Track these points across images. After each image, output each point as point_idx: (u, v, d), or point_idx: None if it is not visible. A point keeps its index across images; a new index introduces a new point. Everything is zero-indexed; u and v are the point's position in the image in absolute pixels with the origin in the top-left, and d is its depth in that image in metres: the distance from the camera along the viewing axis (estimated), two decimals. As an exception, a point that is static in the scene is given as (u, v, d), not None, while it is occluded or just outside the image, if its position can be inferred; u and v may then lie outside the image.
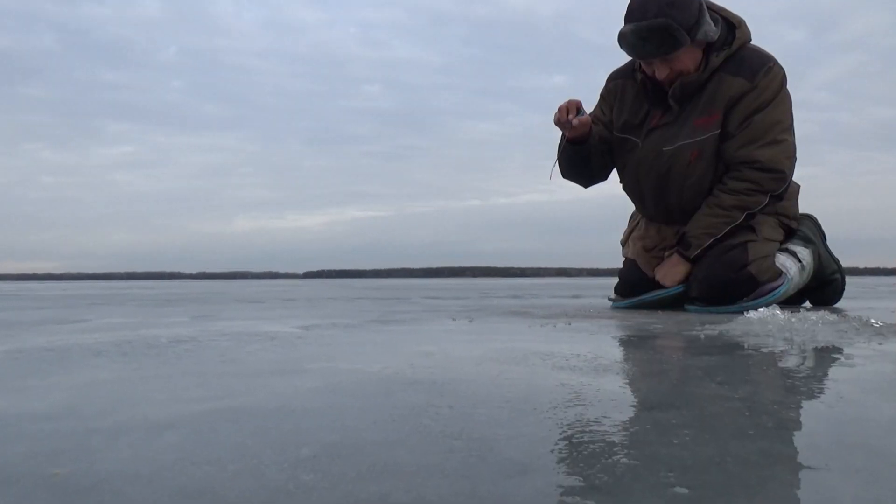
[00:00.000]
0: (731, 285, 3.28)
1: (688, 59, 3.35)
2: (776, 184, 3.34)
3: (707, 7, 3.38)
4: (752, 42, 3.45)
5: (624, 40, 3.28)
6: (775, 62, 3.35)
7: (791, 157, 3.37)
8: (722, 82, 3.34)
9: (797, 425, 0.93)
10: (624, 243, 3.94)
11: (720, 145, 3.36)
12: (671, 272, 3.52)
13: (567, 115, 3.45)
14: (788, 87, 3.36)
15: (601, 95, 3.78)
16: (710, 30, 3.31)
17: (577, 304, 4.04)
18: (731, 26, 3.42)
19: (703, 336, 2.07)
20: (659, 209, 3.62)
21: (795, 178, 3.51)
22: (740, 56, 3.37)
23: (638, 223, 3.85)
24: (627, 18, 3.27)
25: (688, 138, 3.41)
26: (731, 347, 1.77)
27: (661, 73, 3.38)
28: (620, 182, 3.77)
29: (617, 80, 3.69)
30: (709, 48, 3.37)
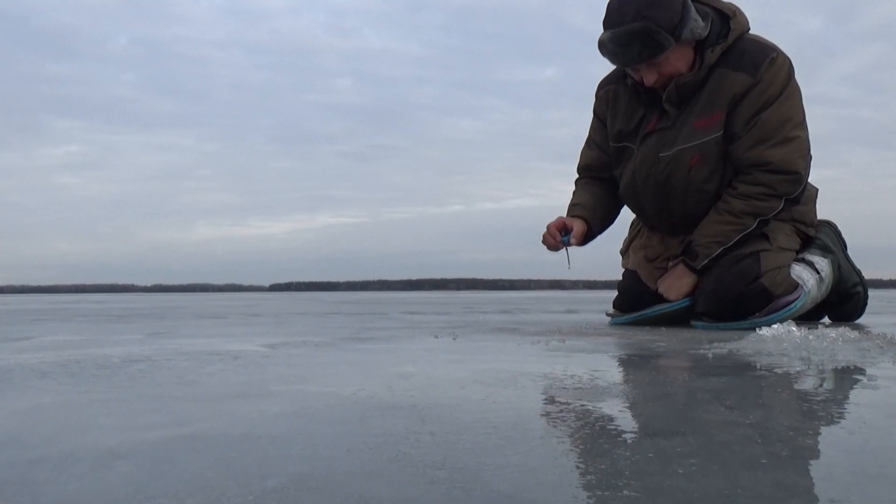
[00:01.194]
0: (742, 299, 3.27)
1: (676, 60, 3.33)
2: (791, 186, 3.33)
3: (695, 0, 3.37)
4: (750, 31, 3.44)
5: (603, 48, 3.29)
6: (779, 52, 3.33)
7: (805, 156, 3.36)
8: (722, 79, 3.32)
9: (815, 454, 0.93)
10: (624, 253, 3.94)
11: (727, 148, 3.35)
12: (676, 284, 3.52)
13: (557, 238, 3.57)
14: (802, 79, 3.35)
15: (594, 112, 3.79)
16: (698, 26, 3.27)
17: (572, 321, 4.04)
18: (725, 17, 3.39)
19: (710, 355, 2.07)
20: (661, 219, 3.63)
21: (812, 180, 3.51)
22: (739, 49, 3.35)
23: (639, 231, 3.84)
24: (605, 24, 3.27)
25: (687, 142, 3.39)
26: (741, 368, 1.77)
27: (649, 78, 3.37)
28: (618, 192, 3.76)
29: (607, 87, 3.69)
30: (702, 45, 3.35)
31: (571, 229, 3.57)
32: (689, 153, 3.40)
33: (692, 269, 3.45)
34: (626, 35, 3.20)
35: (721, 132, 3.34)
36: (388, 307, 7.32)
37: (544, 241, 3.61)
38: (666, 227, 3.66)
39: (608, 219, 3.81)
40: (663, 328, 3.31)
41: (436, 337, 2.88)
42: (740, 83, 3.30)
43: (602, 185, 3.79)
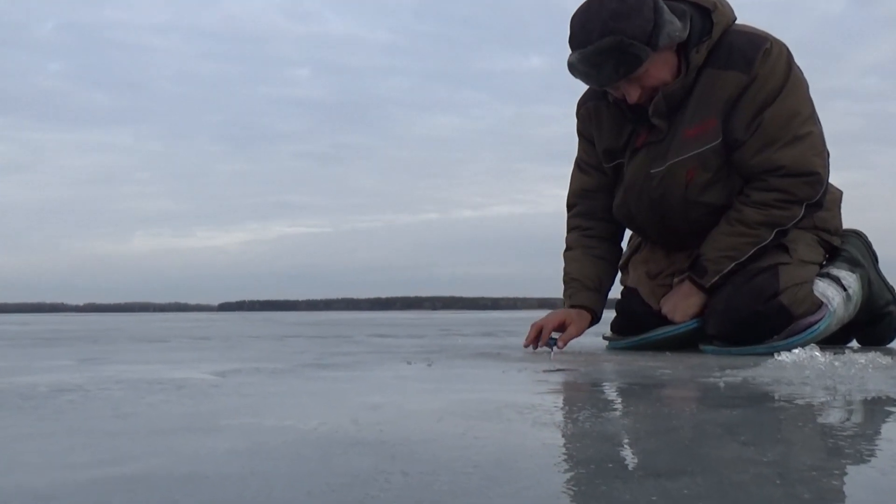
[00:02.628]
0: (758, 320, 3.25)
1: (658, 70, 3.29)
2: (811, 188, 3.30)
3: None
4: (737, 22, 3.41)
5: (575, 71, 3.26)
6: (772, 40, 3.29)
7: (822, 153, 3.33)
8: (712, 81, 3.30)
9: (840, 496, 0.93)
10: (623, 268, 3.91)
11: (730, 156, 3.34)
12: (682, 304, 3.50)
13: (544, 340, 3.52)
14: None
15: (578, 133, 3.77)
16: (675, 29, 3.23)
17: (567, 346, 4.04)
18: (706, 11, 3.35)
19: (722, 384, 2.08)
20: (664, 236, 3.63)
21: (834, 183, 3.50)
22: (726, 44, 3.31)
23: (640, 244, 3.83)
24: (571, 44, 3.25)
25: (679, 154, 3.37)
26: (757, 398, 1.78)
27: (631, 95, 3.34)
28: (614, 210, 3.73)
29: (587, 105, 3.68)
30: (684, 46, 3.32)
31: (553, 345, 3.50)
32: (684, 167, 3.37)
33: (700, 288, 3.43)
34: (595, 54, 3.17)
35: (719, 140, 3.31)
36: (355, 329, 7.32)
37: (528, 341, 3.56)
38: (670, 243, 3.66)
39: (612, 282, 3.79)
40: (668, 353, 3.31)
41: (408, 363, 2.88)
42: (733, 83, 3.27)
43: (603, 226, 3.75)
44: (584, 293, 3.63)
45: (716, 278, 3.37)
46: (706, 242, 3.42)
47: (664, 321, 3.54)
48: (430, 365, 2.79)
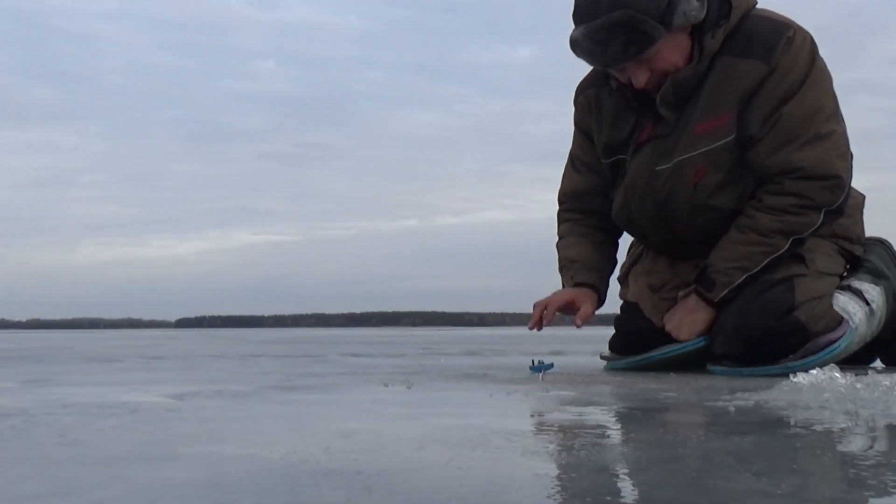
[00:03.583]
0: (772, 338, 3.23)
1: (670, 53, 3.26)
2: (831, 194, 3.28)
3: None
4: (758, 7, 3.39)
5: (578, 48, 3.24)
6: (796, 28, 3.27)
7: (845, 155, 3.31)
8: (728, 70, 3.28)
9: (862, 532, 0.93)
10: (622, 281, 3.88)
11: (745, 154, 3.31)
12: (687, 320, 3.48)
13: (549, 319, 3.57)
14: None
15: (575, 124, 3.76)
16: (691, 8, 3.20)
17: (559, 364, 4.04)
18: None
19: (732, 408, 2.08)
20: (667, 244, 3.61)
21: (856, 186, 3.49)
22: (746, 30, 3.29)
23: (642, 253, 3.81)
24: (576, 18, 3.22)
25: (688, 151, 3.34)
26: (771, 424, 1.79)
27: (639, 78, 3.30)
28: (612, 212, 3.72)
29: (587, 93, 3.65)
30: (699, 30, 3.30)
31: (578, 310, 3.54)
32: (692, 164, 3.34)
33: (708, 302, 3.41)
34: (603, 29, 3.14)
35: (732, 136, 3.28)
36: (326, 348, 7.30)
37: (532, 322, 3.61)
38: (674, 251, 3.64)
39: (611, 273, 3.80)
40: (672, 374, 3.31)
41: (385, 385, 2.88)
42: (751, 73, 3.24)
43: (598, 220, 3.76)
44: (587, 272, 3.65)
45: (725, 292, 3.34)
46: (715, 252, 3.40)
47: (668, 339, 3.50)
48: (409, 387, 2.79)
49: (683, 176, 3.36)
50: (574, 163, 3.78)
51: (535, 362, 3.42)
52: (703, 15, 3.24)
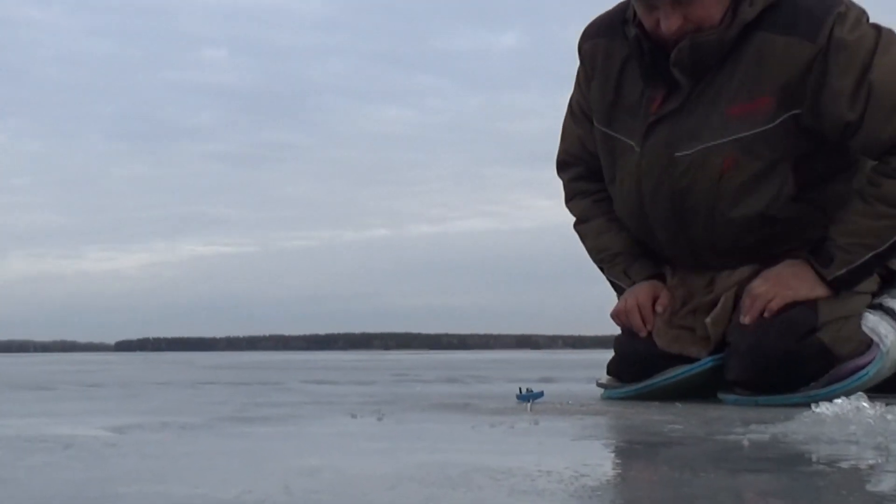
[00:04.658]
0: (792, 361, 3.19)
1: (712, 5, 3.20)
2: None
3: None
4: None
5: None
6: (847, 3, 3.21)
7: None
8: (767, 48, 3.21)
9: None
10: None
11: (850, 144, 3.24)
12: (793, 283, 3.29)
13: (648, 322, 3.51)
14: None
15: (577, 80, 3.68)
16: None
17: (549, 392, 4.03)
18: None
19: (746, 442, 2.07)
20: (678, 246, 3.51)
21: None
22: (790, 4, 3.23)
23: None
24: None
25: (717, 137, 3.26)
26: (790, 461, 1.78)
27: (670, 23, 3.20)
28: (614, 205, 3.66)
29: (597, 41, 3.57)
30: None
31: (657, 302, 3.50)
32: (719, 153, 3.26)
33: (822, 279, 3.26)
34: None
35: (772, 125, 3.21)
36: (286, 374, 7.32)
37: (627, 319, 3.56)
38: (687, 258, 3.54)
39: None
40: (678, 404, 3.28)
41: (353, 416, 2.86)
42: (795, 54, 3.17)
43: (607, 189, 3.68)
44: (639, 263, 3.62)
45: (843, 271, 3.22)
46: (835, 225, 3.27)
47: (675, 362, 3.44)
48: (380, 419, 2.78)
49: (708, 166, 3.29)
50: (574, 112, 3.72)
51: (523, 391, 3.41)
52: None
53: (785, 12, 3.21)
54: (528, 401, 3.33)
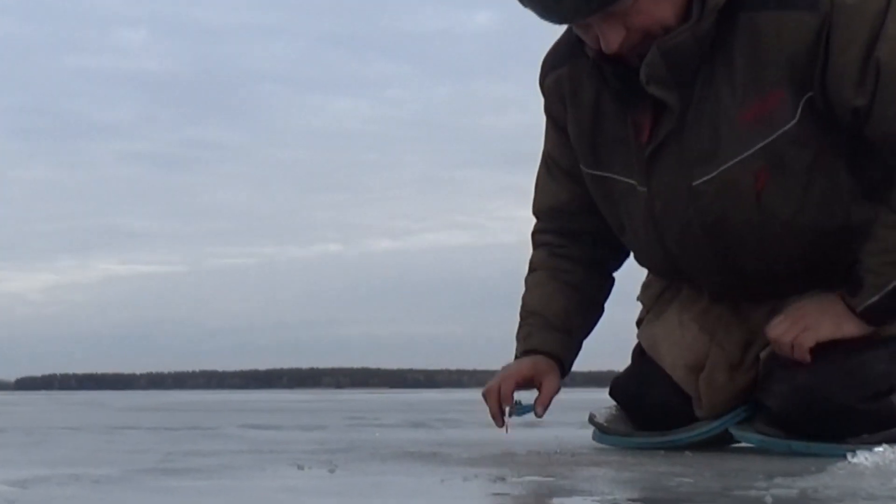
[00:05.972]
0: (851, 418, 3.07)
1: (653, 4, 3.03)
2: None
3: None
4: None
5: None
6: None
7: None
8: (762, 29, 3.07)
9: None
10: (642, 323, 3.71)
11: (862, 131, 3.08)
12: (824, 322, 3.12)
13: (502, 410, 3.46)
14: None
15: (546, 115, 3.59)
16: None
17: (534, 440, 4.03)
18: None
19: (770, 499, 2.02)
20: (727, 286, 3.37)
21: None
22: None
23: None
24: None
25: (738, 151, 3.11)
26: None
27: (610, 41, 3.05)
28: (633, 256, 3.57)
29: (559, 72, 3.45)
30: None
31: (540, 387, 3.45)
32: (747, 169, 3.11)
33: (852, 310, 3.09)
34: None
35: (794, 121, 3.07)
36: (221, 417, 7.45)
37: (496, 419, 3.49)
38: (742, 295, 3.40)
39: (590, 326, 3.68)
40: (687, 452, 3.26)
41: (300, 468, 2.83)
42: (797, 30, 3.02)
43: (583, 247, 3.62)
44: (546, 333, 3.52)
45: (875, 298, 3.05)
46: (864, 242, 3.11)
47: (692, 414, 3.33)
48: (332, 470, 2.74)
49: (738, 187, 3.14)
50: (550, 168, 3.62)
51: (517, 404, 3.43)
52: None
53: None
54: (522, 415, 3.44)
